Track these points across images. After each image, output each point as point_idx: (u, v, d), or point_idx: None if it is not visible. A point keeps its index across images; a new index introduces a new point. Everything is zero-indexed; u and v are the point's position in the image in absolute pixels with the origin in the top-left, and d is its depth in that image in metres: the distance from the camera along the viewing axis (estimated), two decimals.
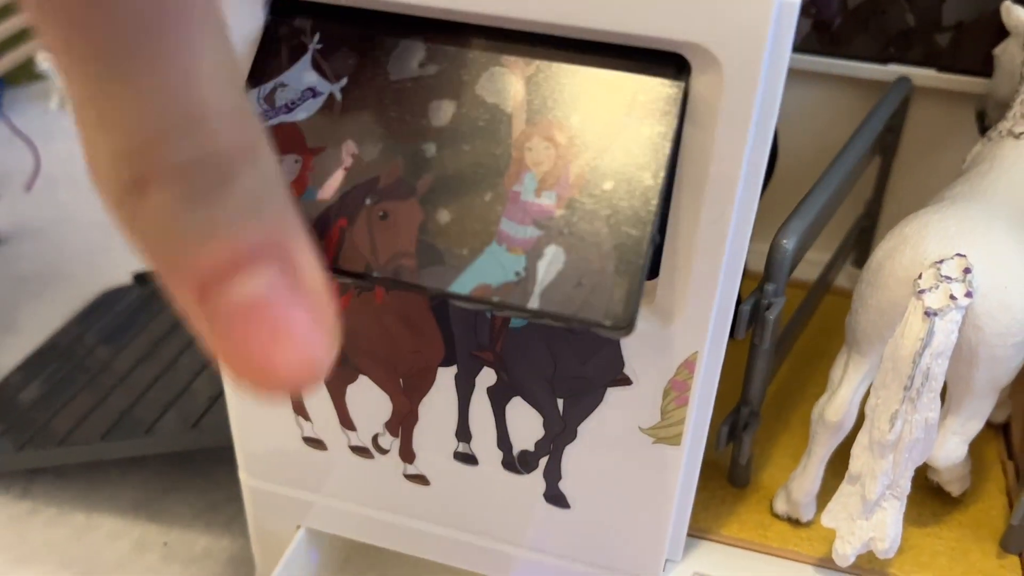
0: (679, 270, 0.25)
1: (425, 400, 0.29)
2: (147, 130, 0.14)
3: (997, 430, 0.38)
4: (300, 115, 0.23)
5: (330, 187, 0.23)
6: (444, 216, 0.22)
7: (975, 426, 0.30)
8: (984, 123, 0.40)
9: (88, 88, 0.14)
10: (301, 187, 0.23)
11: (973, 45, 0.41)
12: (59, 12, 0.13)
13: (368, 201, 0.23)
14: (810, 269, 0.38)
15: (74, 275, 0.62)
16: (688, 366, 0.26)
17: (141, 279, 0.58)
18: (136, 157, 0.14)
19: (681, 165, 0.23)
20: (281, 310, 0.14)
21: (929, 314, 0.26)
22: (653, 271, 0.25)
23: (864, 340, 0.30)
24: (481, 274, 0.22)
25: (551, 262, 0.21)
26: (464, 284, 0.22)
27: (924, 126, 0.43)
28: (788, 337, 0.36)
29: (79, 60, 0.14)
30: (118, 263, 0.61)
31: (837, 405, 0.30)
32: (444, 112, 0.23)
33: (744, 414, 0.32)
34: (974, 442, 0.31)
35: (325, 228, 0.23)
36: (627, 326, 0.21)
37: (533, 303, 0.21)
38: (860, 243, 0.45)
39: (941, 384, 0.27)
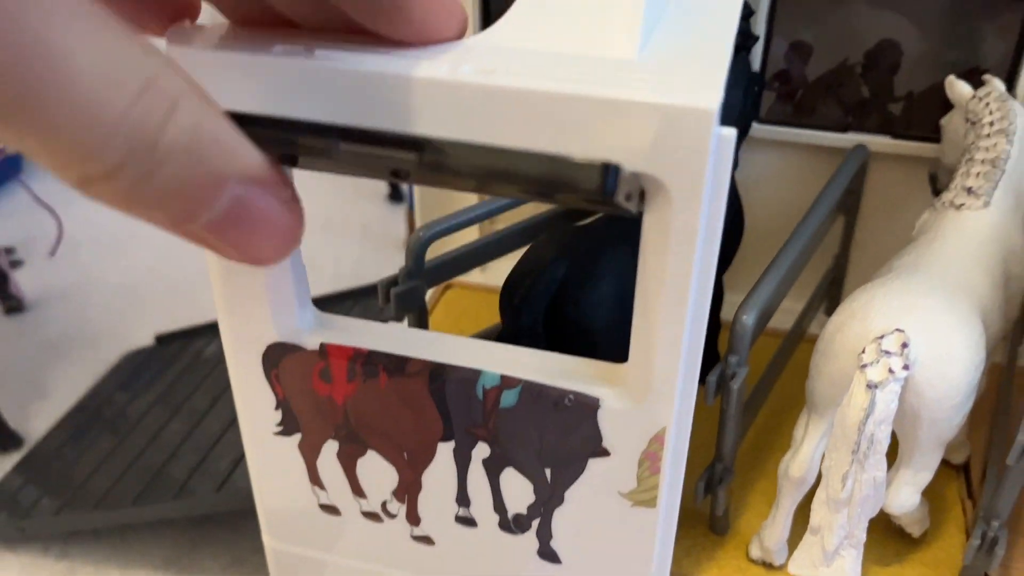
0: (646, 359, 0.28)
1: (427, 471, 0.33)
2: (65, 165, 0.16)
3: (958, 470, 0.41)
4: None
5: None
6: None
7: (925, 477, 0.33)
8: (936, 185, 0.43)
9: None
10: None
11: (924, 113, 0.44)
12: None
13: None
14: (785, 318, 0.42)
15: (98, 337, 0.65)
16: (658, 440, 0.29)
17: (163, 340, 0.62)
18: (70, 176, 0.16)
19: (641, 274, 0.26)
20: (248, 212, 0.18)
21: (871, 386, 0.29)
22: (624, 355, 0.29)
23: (821, 403, 0.33)
24: None
25: None
26: None
27: (882, 188, 0.46)
28: (760, 393, 0.39)
29: None
30: (140, 324, 0.64)
31: (799, 462, 0.34)
32: None
33: (718, 470, 0.35)
34: (935, 482, 0.34)
35: None
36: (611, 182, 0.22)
37: None
38: (831, 294, 0.49)
39: (886, 447, 0.30)
